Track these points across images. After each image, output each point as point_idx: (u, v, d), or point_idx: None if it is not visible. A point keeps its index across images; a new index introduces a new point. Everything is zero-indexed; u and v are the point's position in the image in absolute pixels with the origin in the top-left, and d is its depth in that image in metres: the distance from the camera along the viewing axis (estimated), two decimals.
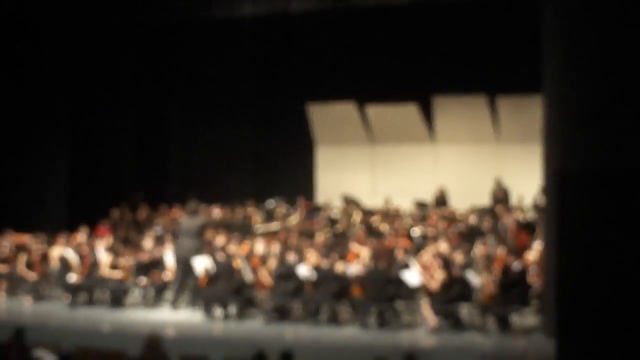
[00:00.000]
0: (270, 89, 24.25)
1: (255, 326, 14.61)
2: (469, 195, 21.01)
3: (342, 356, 12.97)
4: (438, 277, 14.12)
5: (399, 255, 15.19)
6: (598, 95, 11.89)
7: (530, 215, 18.64)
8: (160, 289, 16.60)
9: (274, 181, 23.99)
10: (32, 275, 17.06)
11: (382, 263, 14.88)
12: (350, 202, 21.25)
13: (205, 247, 16.33)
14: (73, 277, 16.42)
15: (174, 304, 15.91)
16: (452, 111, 22.80)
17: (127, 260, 16.56)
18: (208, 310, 15.13)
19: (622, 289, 8.42)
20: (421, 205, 20.72)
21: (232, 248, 16.11)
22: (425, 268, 14.84)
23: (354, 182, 23.38)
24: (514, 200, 20.60)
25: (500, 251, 15.61)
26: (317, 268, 14.87)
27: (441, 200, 21.33)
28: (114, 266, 16.37)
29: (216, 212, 20.62)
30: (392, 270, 14.62)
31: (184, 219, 17.21)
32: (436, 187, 21.83)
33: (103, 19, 21.50)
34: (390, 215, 19.87)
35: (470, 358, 12.61)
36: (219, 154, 24.36)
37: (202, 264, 15.68)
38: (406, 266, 14.76)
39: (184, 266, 16.04)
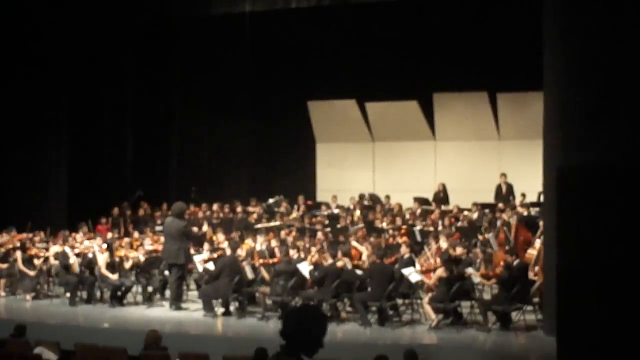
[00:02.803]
0: (270, 87, 24.23)
1: (256, 323, 14.60)
2: (469, 191, 21.00)
3: (343, 353, 12.93)
4: (438, 273, 14.11)
5: (400, 252, 15.19)
6: (598, 92, 11.89)
7: (533, 211, 18.61)
8: (160, 286, 16.62)
9: (275, 179, 23.98)
10: (32, 273, 17.04)
11: (383, 260, 14.86)
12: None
13: (187, 250, 16.17)
14: (73, 275, 16.40)
15: (172, 306, 15.81)
16: (452, 108, 22.79)
17: (127, 258, 16.53)
18: (208, 307, 15.11)
19: (623, 286, 8.41)
20: (422, 202, 20.71)
21: (235, 245, 16.09)
22: (425, 265, 14.84)
23: (355, 179, 23.37)
24: (515, 196, 20.59)
25: (500, 248, 15.61)
26: (318, 265, 14.86)
27: (442, 196, 21.33)
28: (113, 264, 16.35)
29: (216, 209, 20.65)
30: (393, 267, 14.61)
31: (167, 220, 16.89)
32: (436, 183, 21.84)
33: (102, 15, 21.47)
34: (391, 212, 19.87)
35: (471, 355, 12.60)
36: (219, 151, 24.35)
37: (201, 260, 15.69)
38: (407, 263, 14.76)
39: (170, 269, 15.95)
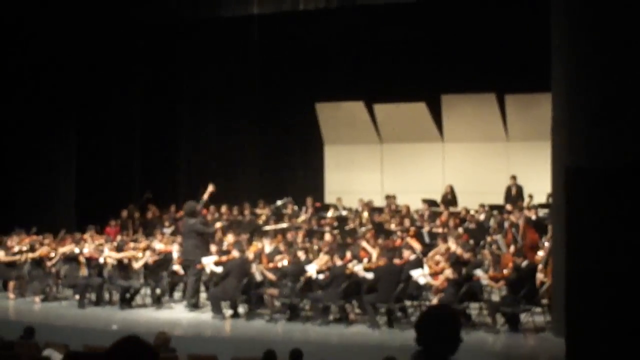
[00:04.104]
0: (278, 89, 24.24)
1: (264, 325, 14.60)
2: (477, 193, 20.97)
3: (351, 355, 12.95)
4: (446, 274, 14.09)
5: (408, 254, 15.18)
6: (606, 93, 11.86)
7: (541, 213, 18.57)
8: (168, 288, 16.64)
9: (283, 181, 23.99)
10: (50, 262, 17.13)
11: (392, 262, 14.85)
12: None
13: (201, 247, 16.22)
14: (81, 277, 16.44)
15: (187, 305, 15.87)
16: (460, 109, 22.76)
17: (136, 259, 16.56)
18: (217, 309, 15.12)
19: (632, 287, 8.39)
20: (431, 204, 20.66)
21: (242, 247, 16.12)
22: (434, 267, 14.83)
23: (363, 181, 23.36)
24: (524, 198, 20.54)
25: (508, 249, 15.58)
26: (327, 267, 14.86)
27: (449, 198, 21.29)
28: (121, 266, 16.38)
29: (224, 211, 20.65)
30: (401, 268, 14.60)
31: (184, 220, 17.12)
32: (445, 185, 21.81)
33: (109, 19, 21.51)
34: (400, 213, 19.84)
35: (480, 357, 12.57)
36: (227, 153, 24.35)
37: (211, 263, 15.71)
38: (416, 265, 14.74)
39: (186, 268, 16.06)
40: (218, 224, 18.08)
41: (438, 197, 21.44)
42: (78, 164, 22.11)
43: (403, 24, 21.72)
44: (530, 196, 19.90)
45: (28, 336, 11.58)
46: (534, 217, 18.01)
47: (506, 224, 17.55)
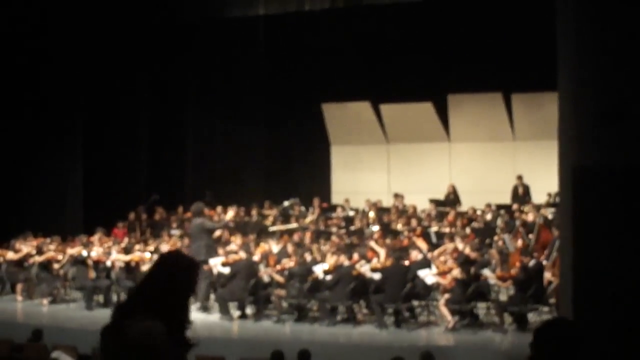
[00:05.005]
0: (284, 89, 24.24)
1: (272, 326, 14.61)
2: (483, 192, 20.94)
3: (359, 355, 12.96)
4: (454, 274, 14.08)
5: (416, 253, 15.17)
6: (614, 92, 11.83)
7: (548, 212, 18.53)
8: None
9: (289, 181, 23.98)
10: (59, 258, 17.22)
11: (399, 262, 14.85)
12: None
13: (212, 246, 16.26)
14: (89, 279, 16.47)
15: (199, 308, 15.89)
16: (466, 109, 22.74)
17: (143, 262, 16.59)
18: (224, 310, 15.13)
19: (639, 287, 8.37)
20: (438, 204, 20.65)
21: (249, 248, 16.13)
22: (441, 266, 14.83)
23: (369, 182, 23.35)
24: (531, 197, 20.50)
25: (516, 249, 15.57)
26: (335, 267, 14.86)
27: (452, 198, 21.26)
28: (129, 268, 16.42)
29: (232, 213, 20.67)
30: (408, 268, 14.60)
31: (192, 221, 17.18)
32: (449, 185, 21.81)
33: (116, 20, 21.51)
34: (406, 213, 19.83)
35: (487, 356, 12.58)
36: (233, 154, 24.36)
37: (218, 264, 15.73)
38: (423, 265, 14.74)
39: None
40: (230, 215, 18.11)
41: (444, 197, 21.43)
42: (85, 166, 22.11)
43: (409, 23, 21.69)
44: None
45: (36, 338, 11.62)
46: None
47: (517, 223, 17.52)
